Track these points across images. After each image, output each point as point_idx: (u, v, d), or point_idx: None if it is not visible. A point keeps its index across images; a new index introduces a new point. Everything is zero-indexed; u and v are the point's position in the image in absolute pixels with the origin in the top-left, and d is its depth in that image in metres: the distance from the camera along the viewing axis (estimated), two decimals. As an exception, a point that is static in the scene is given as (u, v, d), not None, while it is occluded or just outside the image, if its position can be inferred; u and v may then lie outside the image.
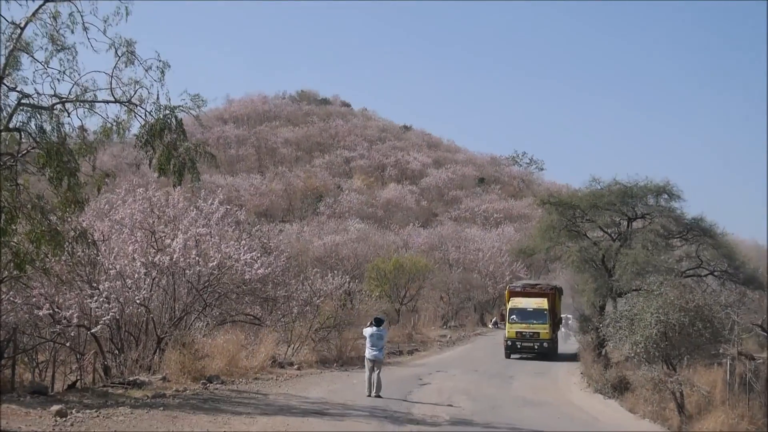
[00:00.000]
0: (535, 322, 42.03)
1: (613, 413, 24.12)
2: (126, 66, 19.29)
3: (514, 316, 42.59)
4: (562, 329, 50.75)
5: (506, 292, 47.39)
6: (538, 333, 41.86)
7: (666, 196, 36.06)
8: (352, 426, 17.76)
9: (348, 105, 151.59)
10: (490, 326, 66.47)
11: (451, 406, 22.36)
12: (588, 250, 36.08)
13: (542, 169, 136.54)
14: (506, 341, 42.46)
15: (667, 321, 22.49)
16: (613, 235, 37.31)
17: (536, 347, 41.88)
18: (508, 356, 41.90)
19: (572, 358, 40.57)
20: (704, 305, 23.26)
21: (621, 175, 38.50)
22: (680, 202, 36.23)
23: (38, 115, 18.53)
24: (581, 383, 30.80)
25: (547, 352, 42.01)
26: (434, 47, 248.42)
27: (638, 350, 23.27)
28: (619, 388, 26.91)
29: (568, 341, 49.98)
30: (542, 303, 42.93)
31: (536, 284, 48.03)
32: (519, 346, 41.96)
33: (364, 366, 24.26)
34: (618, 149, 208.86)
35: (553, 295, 45.41)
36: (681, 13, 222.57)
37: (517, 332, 41.94)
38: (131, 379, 21.09)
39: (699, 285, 33.05)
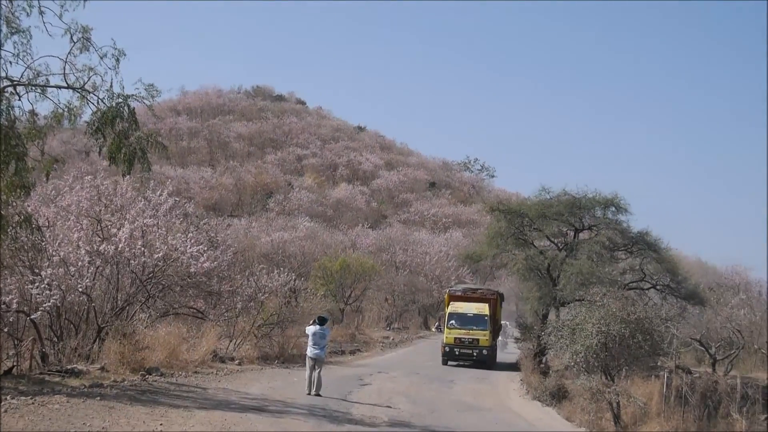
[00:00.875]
0: (474, 328, 40.23)
1: (550, 421, 24.33)
2: (81, 52, 19.09)
3: (453, 321, 40.82)
4: (500, 337, 49.29)
5: (446, 296, 45.24)
6: (478, 339, 40.04)
7: (613, 208, 36.54)
8: (291, 424, 17.76)
9: (303, 103, 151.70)
10: (433, 329, 66.71)
11: (390, 407, 22.39)
12: (534, 258, 36.42)
13: (493, 176, 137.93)
14: (444, 347, 40.77)
15: (608, 332, 22.80)
16: (559, 245, 37.72)
17: (475, 354, 40.07)
18: (445, 363, 40.30)
19: (511, 367, 40.38)
20: (645, 318, 23.62)
21: (570, 185, 38.87)
22: (627, 215, 36.78)
23: (-13, 97, 18.30)
24: (520, 390, 31.03)
25: (486, 359, 40.18)
26: (391, 49, 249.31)
27: (578, 359, 23.55)
28: (558, 396, 27.17)
29: (505, 349, 49.75)
30: (483, 308, 41.14)
31: (477, 289, 46.47)
32: (457, 353, 40.32)
33: (305, 364, 24.19)
34: (568, 160, 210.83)
35: (495, 300, 43.42)
36: (626, 14, 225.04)
37: (455, 338, 40.28)
38: (69, 367, 20.88)
39: (641, 298, 33.53)
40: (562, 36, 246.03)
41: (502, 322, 51.07)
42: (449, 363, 40.35)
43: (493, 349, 41.58)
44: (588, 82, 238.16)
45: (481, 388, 31.13)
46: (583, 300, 29.01)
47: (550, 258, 36.25)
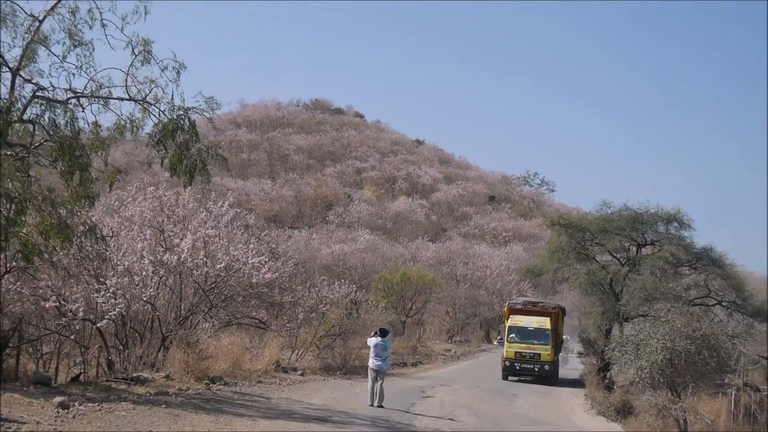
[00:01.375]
0: (536, 342, 38.95)
1: (616, 437, 24.00)
2: (142, 65, 19.37)
3: (513, 335, 39.61)
4: (561, 352, 47.43)
5: (505, 309, 44.21)
6: (539, 354, 38.72)
7: (676, 224, 36.00)
8: (354, 434, 17.68)
9: (361, 116, 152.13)
10: (495, 343, 66.31)
11: (452, 420, 22.19)
12: (596, 273, 36.00)
13: (553, 191, 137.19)
14: (504, 361, 39.43)
15: (673, 348, 22.39)
16: (621, 259, 37.23)
17: (536, 369, 38.89)
18: (505, 378, 39.11)
19: (573, 383, 39.49)
20: (711, 334, 23.15)
21: (632, 201, 38.56)
22: (690, 230, 36.20)
23: (53, 109, 18.60)
24: (584, 405, 30.60)
25: (548, 375, 39.00)
26: (451, 64, 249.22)
27: (643, 375, 23.14)
28: (623, 412, 26.77)
29: (566, 365, 48.45)
30: (544, 322, 39.93)
31: (538, 302, 45.23)
32: (518, 368, 39.00)
33: (367, 375, 24.12)
34: (630, 175, 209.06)
35: (556, 314, 41.96)
36: (702, 37, 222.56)
37: (516, 352, 38.97)
38: (134, 375, 21.04)
39: (706, 314, 32.97)
40: (624, 55, 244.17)
41: (564, 336, 49.36)
42: (509, 378, 39.26)
43: (555, 364, 40.23)
44: (653, 101, 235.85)
45: (545, 402, 30.78)
46: (647, 315, 28.54)
47: (612, 273, 35.84)
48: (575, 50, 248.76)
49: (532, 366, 39.00)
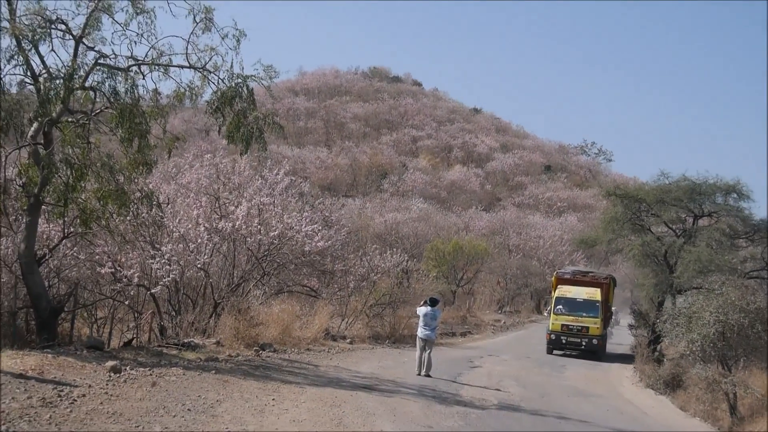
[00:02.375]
0: (584, 314, 36.94)
1: (663, 410, 23.87)
2: (203, 33, 19.56)
3: (560, 307, 37.54)
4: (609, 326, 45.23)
5: (553, 279, 41.49)
6: (587, 327, 36.83)
7: (735, 195, 35.29)
8: (400, 403, 17.83)
9: (419, 84, 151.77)
10: (545, 314, 66.14)
11: (499, 390, 22.28)
12: (651, 244, 35.56)
13: (610, 160, 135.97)
14: (549, 334, 37.58)
15: (726, 321, 22.17)
16: (677, 231, 36.74)
17: (584, 344, 36.89)
18: (549, 351, 37.49)
19: (619, 358, 38.47)
20: (766, 308, 22.91)
21: (690, 171, 37.96)
22: (749, 202, 35.50)
23: (114, 76, 18.87)
24: (633, 378, 30.51)
25: (596, 350, 36.97)
26: (509, 33, 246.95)
27: (694, 348, 22.98)
28: (672, 385, 26.62)
29: (610, 339, 44.90)
30: (594, 294, 37.64)
31: (588, 272, 42.71)
32: (564, 341, 37.10)
33: (416, 345, 24.23)
34: (689, 146, 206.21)
35: (608, 285, 39.41)
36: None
37: (562, 325, 37.06)
38: (186, 341, 21.39)
39: (762, 287, 32.43)
40: (683, 27, 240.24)
41: (613, 308, 46.80)
42: (554, 352, 37.57)
43: (603, 338, 38.02)
44: (712, 72, 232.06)
45: (593, 374, 30.74)
46: (700, 288, 28.33)
47: (667, 244, 35.37)
48: (634, 21, 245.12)
49: (579, 340, 37.09)
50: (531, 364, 31.22)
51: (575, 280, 39.71)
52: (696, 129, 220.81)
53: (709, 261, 31.46)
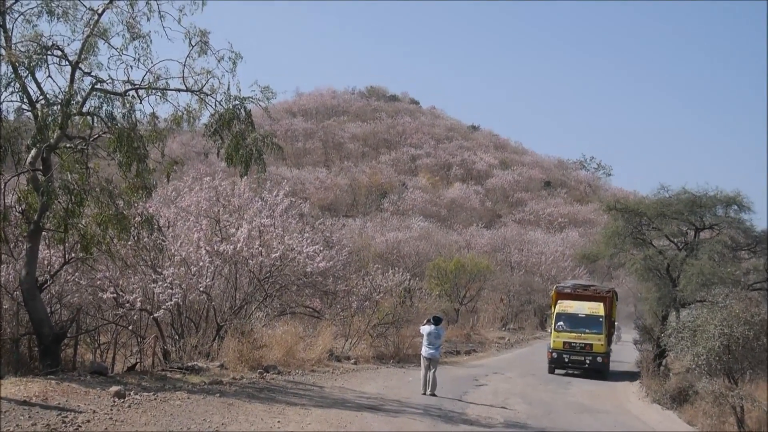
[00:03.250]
0: (587, 331, 35.33)
1: (671, 424, 23.76)
2: (199, 56, 19.61)
3: (561, 323, 35.85)
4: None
5: (552, 293, 39.92)
6: (591, 345, 35.15)
7: (736, 207, 35.24)
8: (407, 423, 17.76)
9: (416, 103, 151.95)
10: (547, 331, 65.96)
11: (505, 408, 22.20)
12: (653, 258, 35.44)
13: (610, 175, 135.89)
14: (551, 353, 35.84)
15: (730, 334, 22.10)
16: (679, 244, 36.62)
17: (588, 362, 35.20)
18: (551, 371, 35.67)
19: (623, 376, 36.90)
20: (770, 320, 22.83)
21: (690, 183, 37.83)
22: (750, 213, 35.49)
23: (111, 101, 18.91)
24: (639, 393, 30.37)
25: (601, 368, 35.26)
26: (505, 49, 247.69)
27: (699, 362, 22.88)
28: (678, 400, 26.48)
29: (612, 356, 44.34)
30: (597, 308, 36.24)
31: (589, 285, 41.01)
32: (566, 360, 35.36)
33: (420, 364, 24.16)
34: (688, 158, 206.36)
35: (610, 299, 38.28)
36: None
37: (564, 343, 35.34)
38: (190, 364, 21.33)
39: (765, 299, 32.36)
40: (678, 34, 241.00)
41: (615, 323, 44.83)
42: (557, 372, 35.75)
43: (608, 355, 36.22)
44: (709, 81, 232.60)
45: (599, 390, 30.61)
46: (704, 301, 28.21)
47: (669, 258, 35.27)
48: (629, 31, 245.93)
49: (582, 358, 35.32)
50: (536, 381, 31.13)
51: (576, 295, 38.19)
52: (695, 140, 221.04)
53: (711, 274, 31.34)
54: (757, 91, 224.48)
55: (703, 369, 23.05)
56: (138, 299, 21.78)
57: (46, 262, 20.89)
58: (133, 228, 19.56)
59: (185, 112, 19.79)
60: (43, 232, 18.84)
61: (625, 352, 44.62)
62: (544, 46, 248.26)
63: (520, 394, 26.20)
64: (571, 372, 35.66)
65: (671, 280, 34.30)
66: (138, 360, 22.79)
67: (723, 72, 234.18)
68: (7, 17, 18.05)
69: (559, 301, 37.59)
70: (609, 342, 37.58)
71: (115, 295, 21.90)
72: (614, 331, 41.70)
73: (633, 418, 24.27)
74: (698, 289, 31.22)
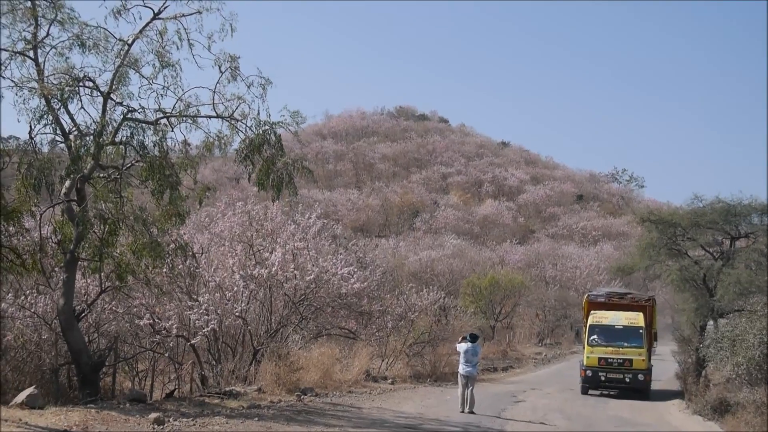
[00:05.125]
0: (626, 344, 31.49)
1: (713, 436, 23.56)
2: (229, 82, 19.85)
3: (595, 336, 31.98)
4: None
5: (584, 302, 35.93)
6: (631, 360, 31.24)
7: (771, 214, 35.06)
8: (446, 441, 17.74)
9: (446, 121, 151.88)
10: (577, 343, 65.57)
11: (544, 424, 22.08)
12: (689, 269, 35.12)
13: (642, 186, 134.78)
14: (584, 371, 31.73)
15: (770, 342, 21.95)
16: (714, 254, 36.29)
17: (628, 380, 31.20)
18: (584, 391, 31.86)
19: (666, 386, 35.54)
20: (810, 326, 22.61)
21: (724, 193, 37.44)
22: (786, 221, 35.19)
23: (142, 130, 19.11)
24: (680, 404, 30.03)
25: (643, 387, 31.43)
26: (532, 65, 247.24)
27: (740, 372, 22.73)
28: (720, 411, 26.16)
29: None
30: (637, 319, 32.47)
31: (626, 293, 36.86)
32: (602, 379, 31.29)
33: (458, 382, 24.13)
34: (721, 167, 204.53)
35: (651, 307, 34.52)
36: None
37: (600, 359, 31.31)
38: (227, 389, 21.42)
39: (806, 307, 32.06)
40: (709, 49, 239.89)
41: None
42: (590, 393, 31.97)
43: (650, 372, 32.17)
44: (737, 91, 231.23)
45: (639, 403, 30.21)
46: (742, 310, 27.96)
47: (705, 268, 34.93)
48: (659, 45, 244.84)
49: (621, 375, 31.32)
50: (575, 395, 30.86)
51: (612, 304, 34.32)
52: (728, 148, 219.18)
53: (749, 282, 31.05)
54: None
55: (743, 379, 22.88)
56: (174, 326, 21.93)
57: (83, 291, 21.13)
58: (167, 255, 19.71)
59: (216, 138, 20.01)
60: (79, 262, 19.02)
61: (661, 366, 39.20)
62: (571, 61, 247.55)
63: (558, 409, 26.03)
64: (606, 392, 32.13)
65: (708, 290, 33.97)
66: (176, 386, 22.92)
67: (752, 79, 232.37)
68: (39, 51, 18.32)
69: (592, 312, 33.62)
70: (650, 356, 33.12)
71: (151, 322, 22.08)
72: (656, 343, 36.16)
73: (674, 430, 24.04)
74: (736, 299, 30.91)
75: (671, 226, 35.84)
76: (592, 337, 32.15)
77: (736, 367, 22.80)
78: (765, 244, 34.32)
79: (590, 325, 32.68)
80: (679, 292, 37.63)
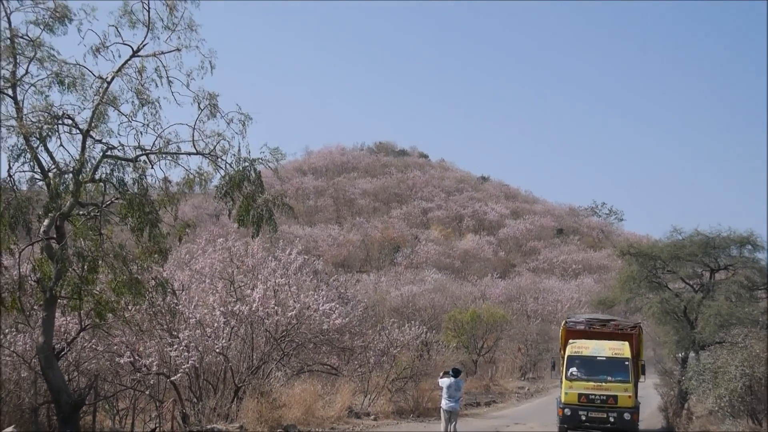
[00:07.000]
0: (610, 378, 27.30)
1: (697, 468, 23.54)
2: (208, 119, 19.86)
3: (574, 369, 27.90)
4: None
5: (561, 330, 31.65)
6: (615, 397, 26.94)
7: (750, 246, 35.26)
8: (429, 477, 17.66)
9: (425, 156, 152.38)
10: (552, 376, 65.36)
11: (527, 459, 22.06)
12: (669, 301, 35.27)
13: (622, 220, 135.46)
14: (561, 408, 27.80)
15: (752, 374, 22.04)
16: (695, 286, 36.51)
17: (612, 419, 26.71)
18: None
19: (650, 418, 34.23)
20: (791, 359, 22.71)
21: (703, 225, 37.67)
22: (765, 252, 35.40)
23: (122, 167, 19.07)
24: (665, 440, 30.02)
25: (630, 427, 26.72)
26: (511, 100, 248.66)
27: (722, 404, 22.79)
28: (703, 443, 26.28)
29: None
30: (621, 349, 28.11)
31: (609, 319, 32.04)
32: (583, 418, 27.06)
33: (441, 417, 23.99)
34: (699, 200, 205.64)
35: (637, 336, 30.10)
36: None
37: (580, 395, 27.28)
38: (209, 427, 21.31)
39: (785, 338, 32.23)
40: (687, 77, 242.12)
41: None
42: None
43: (637, 410, 27.45)
44: (717, 122, 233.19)
45: (624, 435, 30.14)
46: (723, 342, 28.07)
47: (686, 300, 35.09)
48: (634, 75, 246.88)
49: (604, 415, 26.94)
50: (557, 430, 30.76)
51: (592, 332, 30.16)
52: (705, 182, 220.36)
53: (729, 314, 31.19)
54: (759, 127, 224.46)
55: (726, 411, 22.95)
56: (155, 363, 21.83)
57: (62, 329, 21.01)
58: (147, 292, 19.62)
59: (197, 175, 19.99)
60: (59, 300, 18.90)
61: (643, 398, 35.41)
62: (549, 96, 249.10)
63: (542, 444, 25.98)
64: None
65: (689, 323, 34.11)
66: (157, 425, 22.73)
67: (728, 114, 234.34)
68: (18, 89, 18.28)
69: (570, 341, 29.50)
70: (637, 392, 28.55)
71: (131, 359, 21.95)
72: (643, 377, 30.62)
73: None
74: (717, 331, 31.05)
75: (651, 259, 36.07)
76: (570, 370, 28.00)
77: (718, 399, 22.87)
78: (744, 276, 34.55)
79: (569, 356, 28.46)
80: (660, 325, 37.79)
